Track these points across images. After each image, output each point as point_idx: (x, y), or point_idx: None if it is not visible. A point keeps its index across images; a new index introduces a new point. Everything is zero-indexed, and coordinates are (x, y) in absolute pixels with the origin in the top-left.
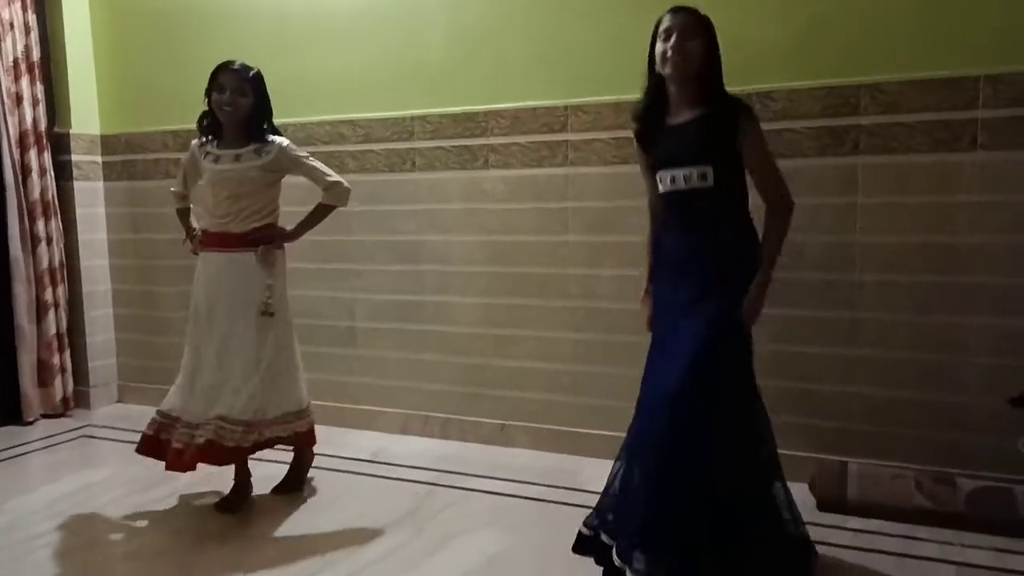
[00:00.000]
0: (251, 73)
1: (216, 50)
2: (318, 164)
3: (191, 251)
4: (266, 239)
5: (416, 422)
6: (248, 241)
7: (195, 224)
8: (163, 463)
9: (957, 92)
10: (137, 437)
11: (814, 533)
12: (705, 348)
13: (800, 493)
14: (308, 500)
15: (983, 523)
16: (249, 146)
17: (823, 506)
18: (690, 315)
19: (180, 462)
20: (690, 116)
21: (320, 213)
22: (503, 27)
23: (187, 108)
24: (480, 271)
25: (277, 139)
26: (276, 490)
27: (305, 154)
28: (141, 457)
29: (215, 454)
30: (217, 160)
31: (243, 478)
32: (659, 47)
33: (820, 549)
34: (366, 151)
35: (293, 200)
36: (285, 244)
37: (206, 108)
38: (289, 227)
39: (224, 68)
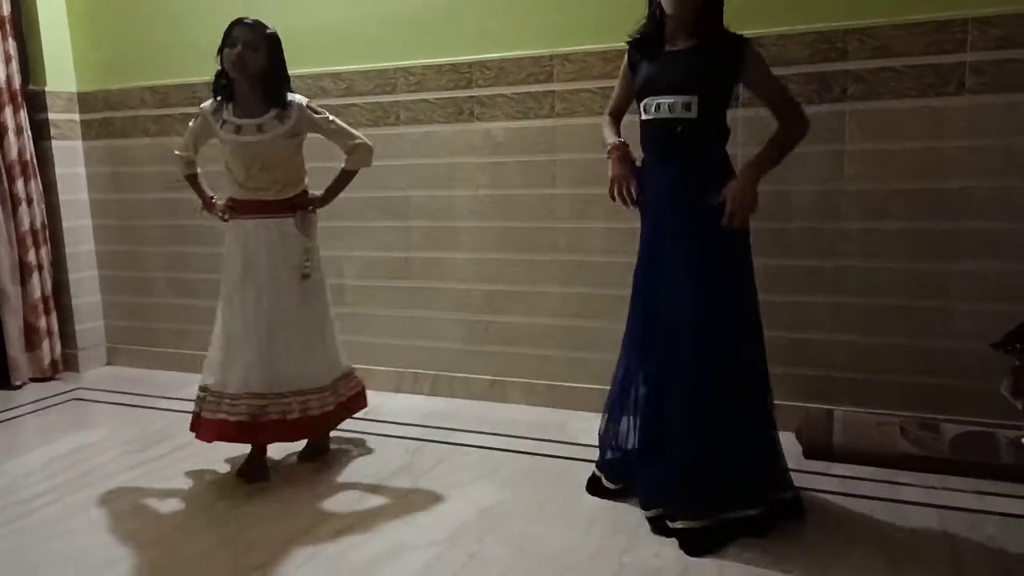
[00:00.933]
0: (267, 31)
1: (194, 5)
2: (340, 124)
3: (221, 218)
4: (302, 205)
5: (407, 379)
6: (286, 207)
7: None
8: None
9: (945, 35)
10: (128, 399)
11: (800, 480)
12: (713, 279)
13: (787, 441)
14: (302, 459)
15: (967, 467)
16: (269, 112)
17: (809, 454)
18: (682, 248)
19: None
20: (684, 46)
21: (346, 178)
22: None
23: (165, 63)
24: (468, 226)
25: (296, 99)
26: (303, 456)
27: (326, 114)
28: (137, 417)
29: (307, 426)
30: (239, 130)
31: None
32: None
33: (807, 496)
34: (349, 105)
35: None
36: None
37: (219, 68)
38: (316, 191)
39: (237, 22)
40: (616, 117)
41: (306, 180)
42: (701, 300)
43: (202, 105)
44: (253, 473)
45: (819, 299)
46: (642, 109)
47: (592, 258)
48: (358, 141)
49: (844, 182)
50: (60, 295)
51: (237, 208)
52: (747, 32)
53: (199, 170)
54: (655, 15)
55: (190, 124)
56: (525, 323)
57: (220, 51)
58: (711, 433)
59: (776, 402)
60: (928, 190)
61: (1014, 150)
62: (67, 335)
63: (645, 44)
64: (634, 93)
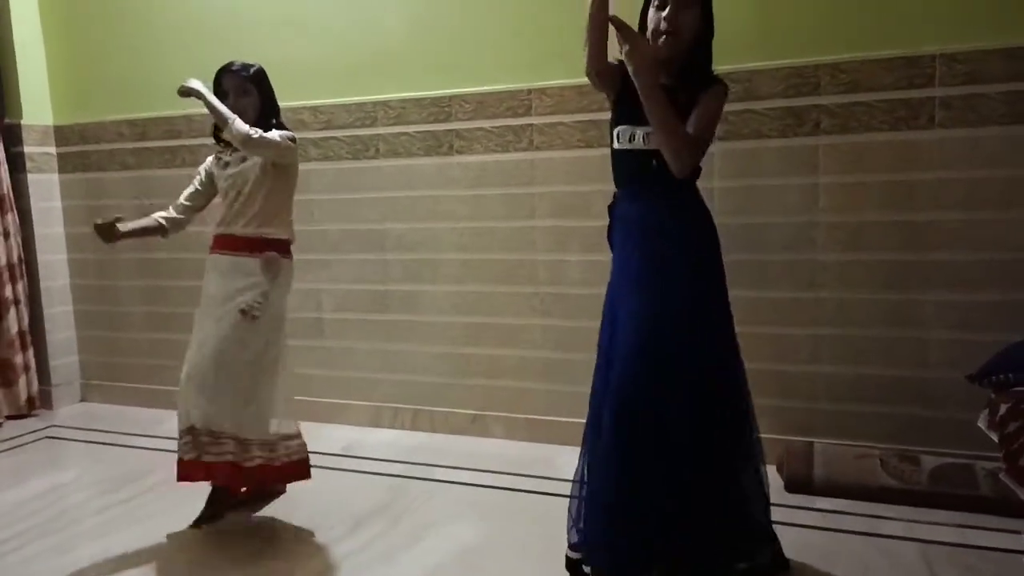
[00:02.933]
0: (252, 70)
1: (171, 38)
2: (272, 132)
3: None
4: (271, 252)
5: (386, 414)
6: (254, 244)
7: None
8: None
9: (914, 70)
10: (102, 436)
11: (783, 515)
12: (676, 318)
13: (768, 474)
14: (281, 496)
15: (946, 499)
16: None
17: (791, 487)
18: (645, 285)
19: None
20: (665, 83)
21: (223, 112)
22: (465, 10)
23: (141, 96)
24: (447, 258)
25: (280, 132)
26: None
27: (279, 133)
28: (113, 458)
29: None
30: (227, 166)
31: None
32: (652, 15)
33: (789, 531)
34: (328, 138)
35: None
36: (294, 257)
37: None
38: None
39: (224, 71)
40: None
41: (291, 228)
42: (658, 338)
43: (208, 159)
44: (204, 516)
45: (798, 331)
46: (615, 137)
47: (572, 290)
48: (262, 133)
49: (819, 214)
50: (35, 330)
51: (214, 243)
52: (721, 67)
53: (163, 222)
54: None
55: (195, 178)
56: (505, 356)
57: None
58: (689, 480)
59: (757, 435)
60: (901, 222)
61: (981, 182)
62: (41, 371)
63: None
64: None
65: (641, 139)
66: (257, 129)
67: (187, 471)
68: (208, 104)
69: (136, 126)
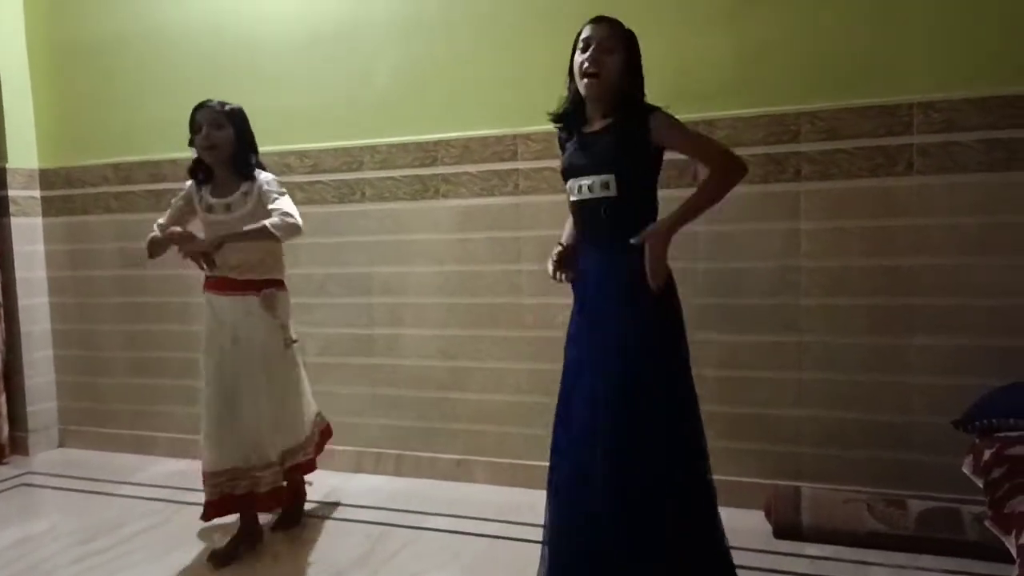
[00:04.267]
0: (227, 107)
1: (157, 83)
2: (283, 202)
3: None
4: (269, 293)
5: (369, 459)
6: (252, 286)
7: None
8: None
9: (892, 119)
10: (79, 484)
11: (772, 562)
12: (630, 360)
13: (755, 519)
14: (257, 546)
15: (933, 544)
16: (238, 191)
17: (779, 533)
18: (594, 347)
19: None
20: (600, 126)
21: (256, 231)
22: (450, 58)
23: (128, 141)
24: (433, 302)
25: (261, 176)
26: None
27: (279, 190)
28: (90, 507)
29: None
30: (210, 209)
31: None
32: (577, 59)
33: None
34: (314, 182)
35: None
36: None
37: (195, 156)
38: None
39: (198, 107)
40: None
41: (283, 268)
42: (616, 382)
43: (188, 183)
44: (231, 553)
45: (782, 374)
46: (569, 192)
47: (558, 334)
48: (289, 211)
49: (802, 259)
50: (12, 375)
51: (210, 284)
52: (702, 115)
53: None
54: (574, 96)
55: (173, 201)
56: (491, 400)
57: (191, 141)
58: (636, 520)
59: (743, 479)
60: (882, 267)
61: (959, 229)
62: (17, 417)
63: (568, 124)
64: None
65: (587, 188)
66: (283, 216)
67: (232, 505)
68: (239, 237)
69: (121, 169)
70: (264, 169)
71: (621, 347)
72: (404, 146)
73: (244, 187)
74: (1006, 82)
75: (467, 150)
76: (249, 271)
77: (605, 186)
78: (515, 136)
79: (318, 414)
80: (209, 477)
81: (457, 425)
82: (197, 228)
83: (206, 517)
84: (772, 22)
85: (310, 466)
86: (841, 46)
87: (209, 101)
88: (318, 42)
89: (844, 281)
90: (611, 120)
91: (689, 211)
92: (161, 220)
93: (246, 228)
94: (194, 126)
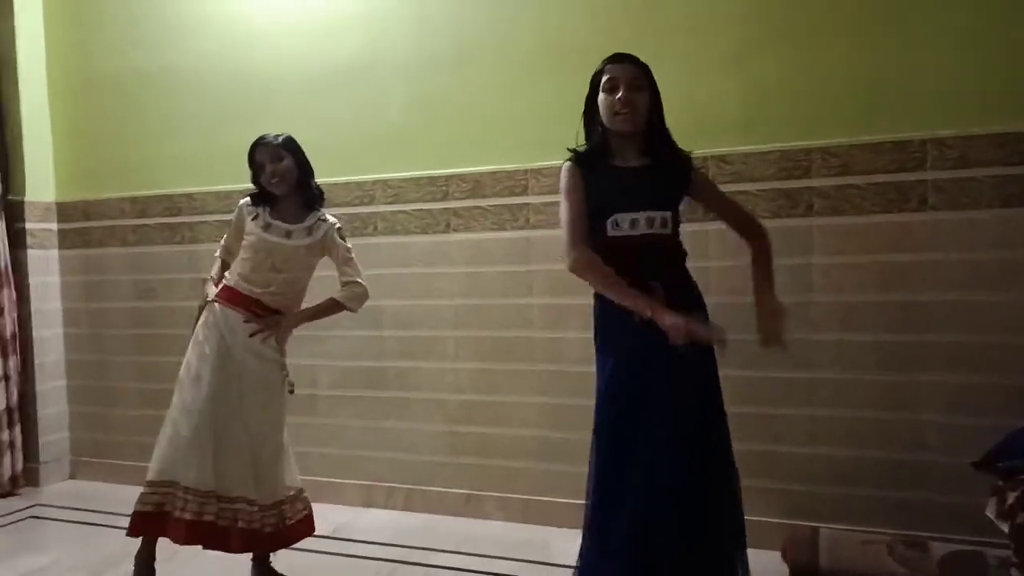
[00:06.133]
0: (280, 138)
1: (174, 119)
2: (355, 258)
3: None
4: (264, 322)
5: (379, 494)
6: (270, 314)
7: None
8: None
9: (905, 154)
10: (88, 516)
11: None
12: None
13: (772, 561)
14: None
15: None
16: (303, 222)
17: (796, 575)
18: (666, 386)
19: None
20: (641, 162)
21: (328, 307)
22: (461, 94)
23: (144, 175)
24: (444, 336)
25: (329, 219)
26: None
27: (349, 244)
28: (98, 540)
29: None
30: (267, 228)
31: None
32: (603, 99)
33: None
34: None
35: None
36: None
37: (256, 190)
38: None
39: (256, 145)
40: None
41: (301, 302)
42: (688, 430)
43: (241, 202)
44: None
45: (796, 411)
46: (611, 225)
47: (569, 368)
48: (359, 280)
49: (815, 294)
50: (26, 406)
51: (229, 296)
52: (714, 150)
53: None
54: (600, 136)
55: (231, 223)
56: (501, 434)
57: (255, 178)
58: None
59: (759, 519)
60: (896, 302)
61: (974, 265)
62: (30, 448)
63: (591, 160)
64: (588, 212)
65: (644, 223)
66: (353, 288)
67: (197, 534)
68: (315, 316)
69: (137, 203)
70: (321, 193)
71: (699, 386)
72: (416, 180)
73: (309, 220)
74: (1019, 118)
75: (478, 184)
76: (278, 300)
77: (664, 223)
78: (526, 171)
79: (302, 491)
80: (163, 486)
81: (467, 460)
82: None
83: (133, 533)
84: (781, 60)
85: (268, 541)
86: (850, 83)
87: (263, 137)
88: (331, 78)
89: (857, 317)
90: (653, 158)
91: (772, 276)
92: (218, 254)
93: (323, 306)
94: (255, 164)
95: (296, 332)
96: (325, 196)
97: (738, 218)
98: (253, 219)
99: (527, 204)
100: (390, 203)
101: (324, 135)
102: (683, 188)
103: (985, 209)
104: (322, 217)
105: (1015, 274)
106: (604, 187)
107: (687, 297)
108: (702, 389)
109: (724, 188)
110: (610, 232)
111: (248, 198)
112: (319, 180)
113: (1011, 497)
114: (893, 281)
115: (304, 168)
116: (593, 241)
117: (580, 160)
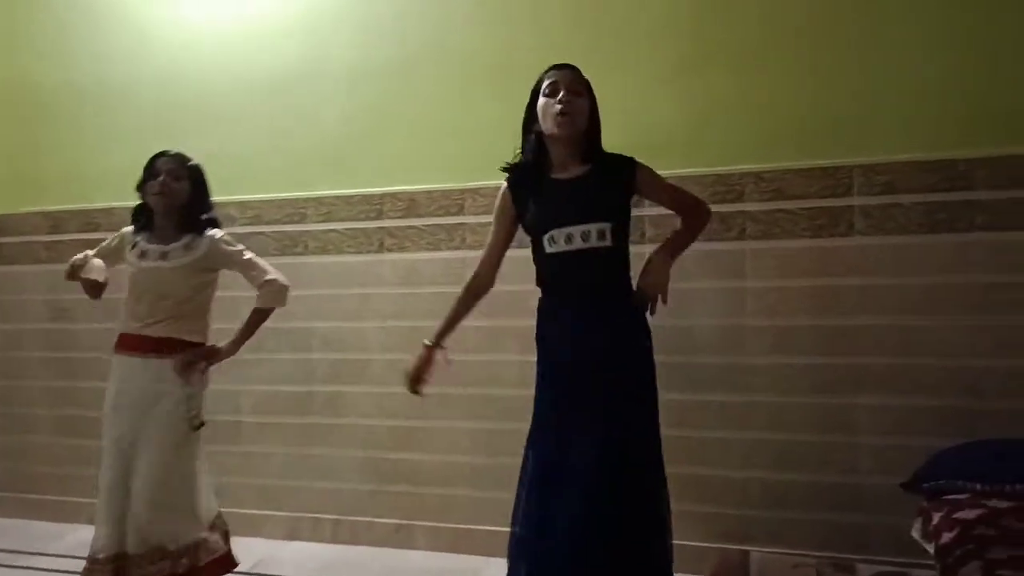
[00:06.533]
0: (189, 162)
1: (97, 130)
2: (254, 258)
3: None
4: (189, 355)
5: (305, 525)
6: (172, 347)
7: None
8: None
9: (835, 180)
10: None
11: None
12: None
13: None
14: None
15: None
16: (180, 240)
17: None
18: (599, 388)
19: None
20: (579, 172)
21: (256, 319)
22: (398, 109)
23: (62, 189)
24: (375, 359)
25: (210, 231)
26: None
27: (240, 247)
28: None
29: None
30: (143, 255)
31: None
32: (543, 102)
33: None
34: (256, 233)
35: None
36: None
37: (140, 201)
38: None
39: (159, 154)
40: (480, 280)
41: (207, 330)
42: (616, 448)
43: (124, 228)
44: None
45: (729, 434)
46: (547, 243)
47: (504, 391)
48: (270, 277)
49: (748, 317)
50: None
51: (121, 343)
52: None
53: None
54: (534, 143)
55: (105, 243)
56: (432, 461)
57: (141, 184)
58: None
59: (689, 543)
60: (828, 326)
61: (903, 289)
62: None
63: (526, 176)
64: (526, 229)
65: (580, 237)
66: (270, 285)
67: None
68: (247, 334)
69: (51, 218)
70: (218, 224)
71: (625, 399)
72: (349, 198)
73: (186, 239)
74: (945, 146)
75: (413, 203)
76: (170, 327)
77: (601, 235)
78: (462, 191)
79: (218, 516)
80: (89, 562)
81: (396, 488)
82: (118, 274)
83: None
84: (717, 84)
85: None
86: (783, 109)
87: (170, 151)
88: (262, 91)
89: (791, 340)
90: (591, 166)
91: (681, 246)
92: (90, 252)
93: (249, 321)
94: (151, 172)
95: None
96: (212, 226)
97: (685, 204)
98: (132, 249)
99: (463, 224)
100: (322, 221)
101: (253, 149)
102: (627, 192)
103: (913, 235)
104: (205, 232)
105: (942, 298)
106: (540, 203)
107: (620, 312)
108: (629, 411)
109: (658, 212)
110: (547, 249)
111: (130, 228)
112: (251, 196)
113: (935, 518)
114: (826, 305)
115: (197, 198)
116: (536, 258)
117: (515, 179)
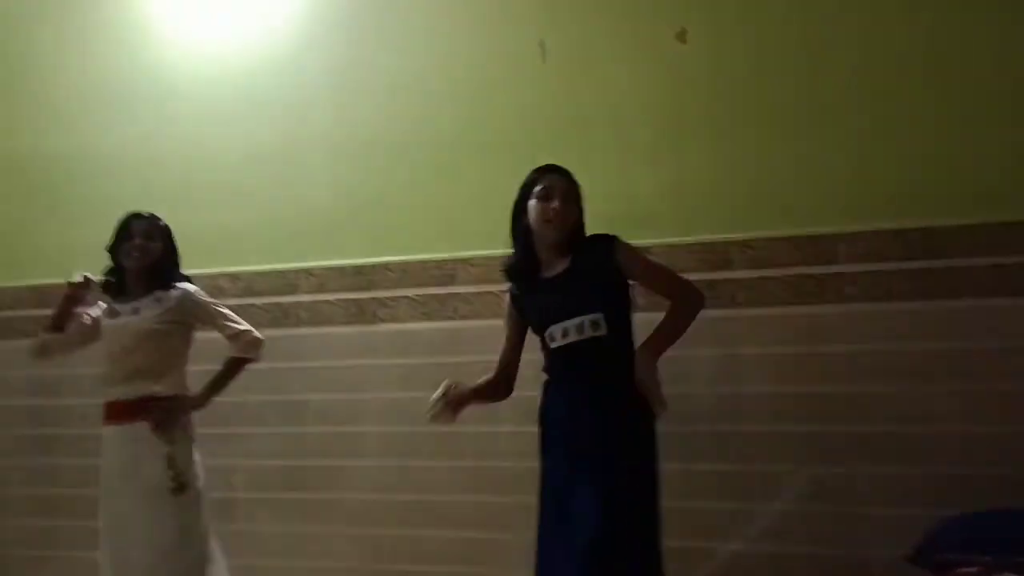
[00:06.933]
0: (161, 222)
1: (83, 202)
2: (225, 310)
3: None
4: (161, 407)
5: None
6: (141, 409)
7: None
8: None
9: (818, 248)
10: None
11: None
12: (603, 534)
13: None
14: None
15: None
16: (151, 295)
17: None
18: (583, 489)
19: None
20: (563, 267)
21: (230, 369)
22: (389, 180)
23: (49, 262)
24: (369, 431)
25: (182, 285)
26: None
27: (214, 301)
28: None
29: None
30: (114, 314)
31: None
32: (536, 206)
33: None
34: (247, 305)
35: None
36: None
37: (110, 264)
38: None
39: (133, 217)
40: (505, 368)
41: (182, 384)
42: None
43: (99, 303)
44: None
45: (727, 505)
46: (549, 340)
47: (502, 463)
48: (243, 328)
49: (743, 385)
50: None
51: (105, 414)
52: (638, 242)
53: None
54: (524, 245)
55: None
56: (430, 536)
57: (113, 246)
58: None
59: None
60: (823, 394)
61: (890, 356)
62: None
63: (521, 278)
64: (529, 329)
65: (575, 330)
66: (242, 337)
67: None
68: (220, 385)
69: (38, 292)
70: (188, 279)
71: (622, 484)
72: (340, 269)
73: (157, 294)
74: (929, 214)
75: (405, 274)
76: (143, 386)
77: (595, 325)
78: (454, 260)
79: None
80: None
81: (395, 566)
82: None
83: None
84: (699, 156)
85: None
86: (766, 180)
87: (141, 213)
88: (252, 161)
89: (785, 407)
90: (571, 257)
91: (669, 337)
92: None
93: (222, 371)
94: (126, 234)
95: (210, 431)
96: (185, 282)
97: (672, 286)
98: (105, 314)
99: (456, 294)
100: (314, 292)
101: (244, 221)
102: (615, 276)
103: (898, 301)
104: (175, 285)
105: (935, 365)
106: (536, 304)
107: (618, 398)
108: (620, 490)
109: None
110: (551, 345)
111: (107, 305)
112: (242, 268)
113: None
114: (819, 372)
115: (169, 255)
116: (542, 350)
117: (513, 284)
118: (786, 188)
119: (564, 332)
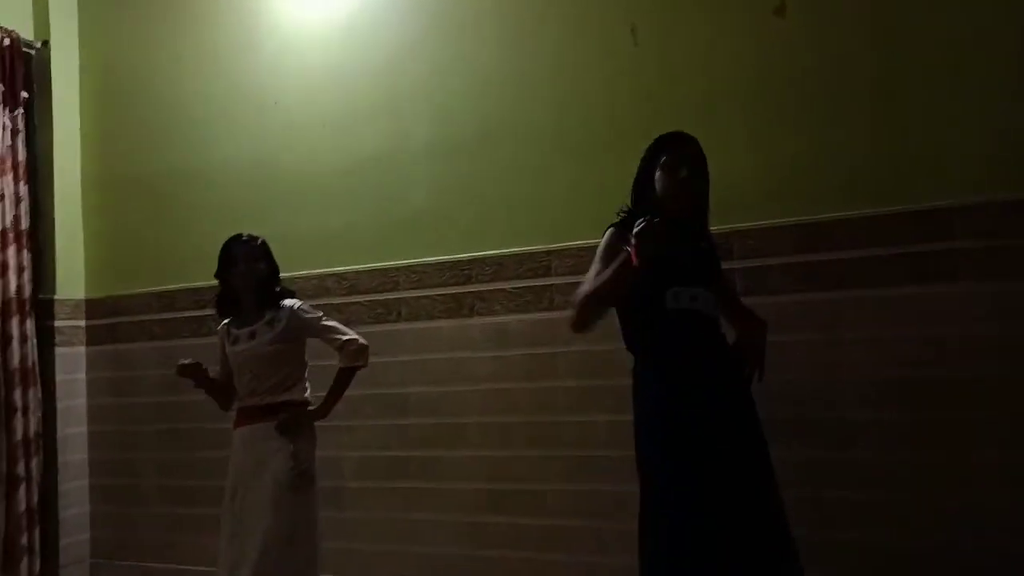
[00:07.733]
0: (259, 241)
1: (203, 212)
2: (332, 323)
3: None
4: (291, 413)
5: None
6: (275, 411)
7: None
8: None
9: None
10: None
11: None
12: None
13: None
14: None
15: None
16: (263, 319)
17: None
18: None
19: None
20: (698, 242)
21: (342, 379)
22: (482, 176)
23: (173, 269)
24: (469, 422)
25: (288, 303)
26: None
27: (319, 314)
28: None
29: None
30: (235, 341)
31: None
32: (665, 179)
33: None
34: (351, 303)
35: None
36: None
37: (220, 290)
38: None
39: (234, 242)
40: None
41: (305, 390)
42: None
43: (219, 328)
44: None
45: (851, 493)
46: (669, 298)
47: (598, 452)
48: (348, 338)
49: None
50: (47, 508)
51: (236, 418)
52: (735, 225)
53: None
54: (650, 208)
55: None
56: (530, 524)
57: (222, 273)
58: None
59: None
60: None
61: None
62: (49, 550)
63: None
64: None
65: (702, 301)
66: (348, 346)
67: None
68: (336, 396)
69: (164, 297)
70: (293, 295)
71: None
72: (438, 265)
73: (268, 316)
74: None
75: (500, 267)
76: (273, 395)
77: (715, 305)
78: (548, 252)
79: None
80: None
81: (495, 552)
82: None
83: None
84: (798, 137)
85: None
86: (872, 158)
87: (241, 235)
88: (354, 167)
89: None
90: (706, 243)
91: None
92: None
93: (336, 385)
94: (231, 259)
95: (321, 424)
96: (288, 296)
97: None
98: (228, 339)
99: (551, 285)
100: (414, 288)
101: (348, 223)
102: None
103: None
104: (283, 305)
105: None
106: (666, 257)
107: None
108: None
109: (745, 263)
110: (669, 304)
111: (223, 329)
112: (347, 268)
113: None
114: (929, 355)
115: (273, 272)
116: (640, 317)
117: (659, 237)
118: (899, 163)
119: (693, 297)
